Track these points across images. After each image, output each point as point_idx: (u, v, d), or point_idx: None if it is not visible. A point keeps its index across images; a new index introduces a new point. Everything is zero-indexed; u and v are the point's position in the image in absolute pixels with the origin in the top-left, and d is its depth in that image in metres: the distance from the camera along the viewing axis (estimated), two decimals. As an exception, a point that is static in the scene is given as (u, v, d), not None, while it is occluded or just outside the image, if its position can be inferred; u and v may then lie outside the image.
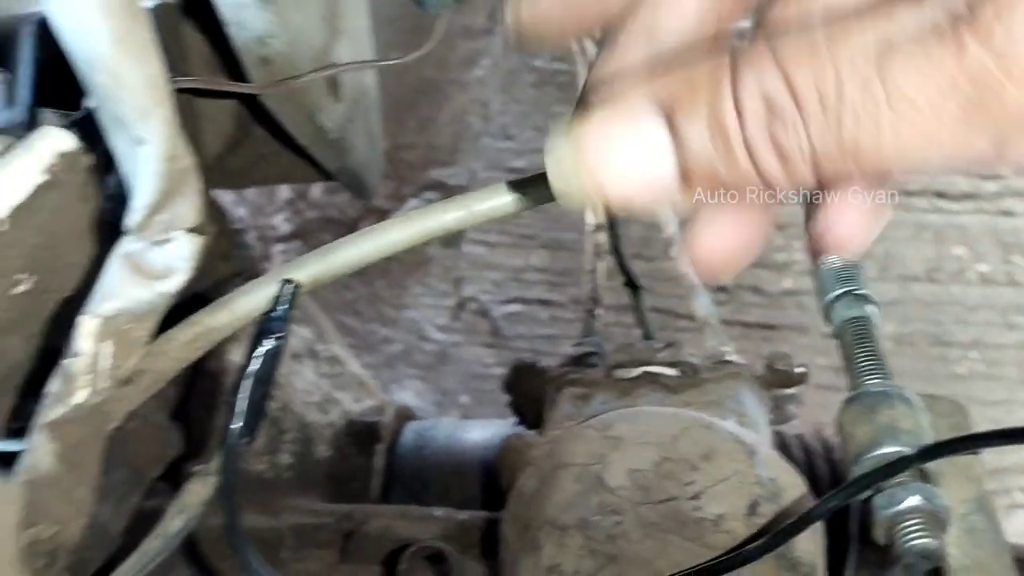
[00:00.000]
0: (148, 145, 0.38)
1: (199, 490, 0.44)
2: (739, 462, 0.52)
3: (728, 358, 0.66)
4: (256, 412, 0.39)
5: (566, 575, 0.49)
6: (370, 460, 0.76)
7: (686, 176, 0.28)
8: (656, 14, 0.32)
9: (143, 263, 0.41)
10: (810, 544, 0.50)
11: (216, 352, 0.71)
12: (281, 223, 1.86)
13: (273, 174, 0.76)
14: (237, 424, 0.38)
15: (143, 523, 0.59)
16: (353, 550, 0.61)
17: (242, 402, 0.38)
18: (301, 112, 0.66)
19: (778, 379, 0.66)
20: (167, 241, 0.41)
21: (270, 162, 0.73)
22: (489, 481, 0.73)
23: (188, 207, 0.41)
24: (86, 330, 0.40)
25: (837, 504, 0.42)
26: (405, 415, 0.82)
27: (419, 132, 1.71)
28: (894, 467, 0.37)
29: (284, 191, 1.91)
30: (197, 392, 0.67)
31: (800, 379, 0.66)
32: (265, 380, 0.38)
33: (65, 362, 0.41)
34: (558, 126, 0.29)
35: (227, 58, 0.61)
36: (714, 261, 0.33)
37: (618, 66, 0.31)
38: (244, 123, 0.69)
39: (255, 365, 0.37)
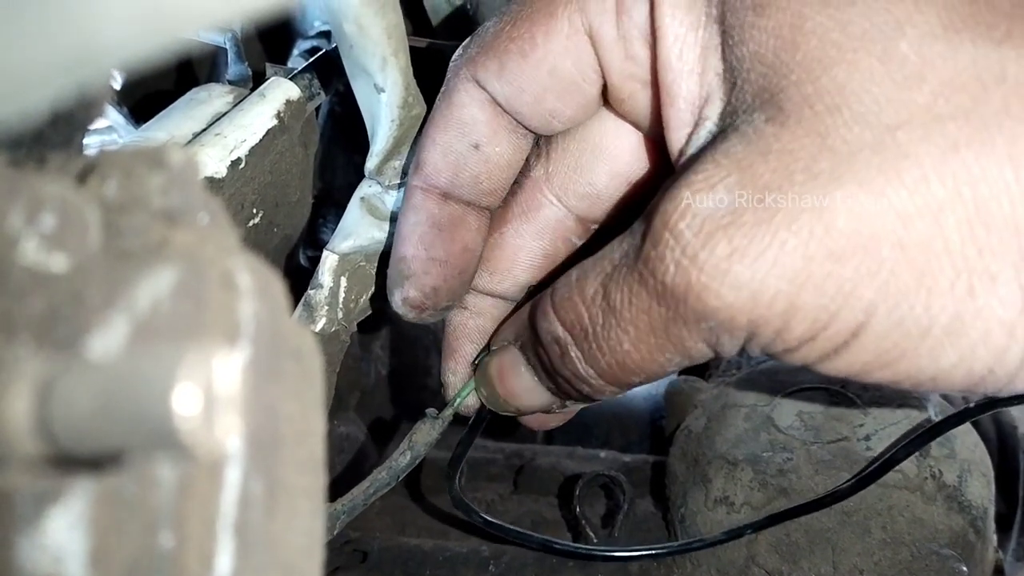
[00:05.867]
0: (385, 92, 0.41)
1: (428, 432, 0.46)
2: (909, 407, 0.53)
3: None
4: None
5: (736, 505, 0.52)
6: (534, 405, 0.80)
7: (552, 391, 0.37)
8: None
9: (378, 205, 0.44)
10: (982, 488, 0.51)
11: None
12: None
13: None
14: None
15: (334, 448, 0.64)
16: (525, 482, 0.64)
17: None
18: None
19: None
20: (400, 186, 0.44)
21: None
22: (651, 428, 0.76)
23: (419, 154, 0.44)
24: (328, 265, 0.44)
25: (983, 412, 0.44)
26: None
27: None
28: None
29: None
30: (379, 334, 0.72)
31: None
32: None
33: (308, 292, 0.45)
34: (481, 363, 0.42)
35: (413, 12, 0.64)
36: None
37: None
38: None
39: None
